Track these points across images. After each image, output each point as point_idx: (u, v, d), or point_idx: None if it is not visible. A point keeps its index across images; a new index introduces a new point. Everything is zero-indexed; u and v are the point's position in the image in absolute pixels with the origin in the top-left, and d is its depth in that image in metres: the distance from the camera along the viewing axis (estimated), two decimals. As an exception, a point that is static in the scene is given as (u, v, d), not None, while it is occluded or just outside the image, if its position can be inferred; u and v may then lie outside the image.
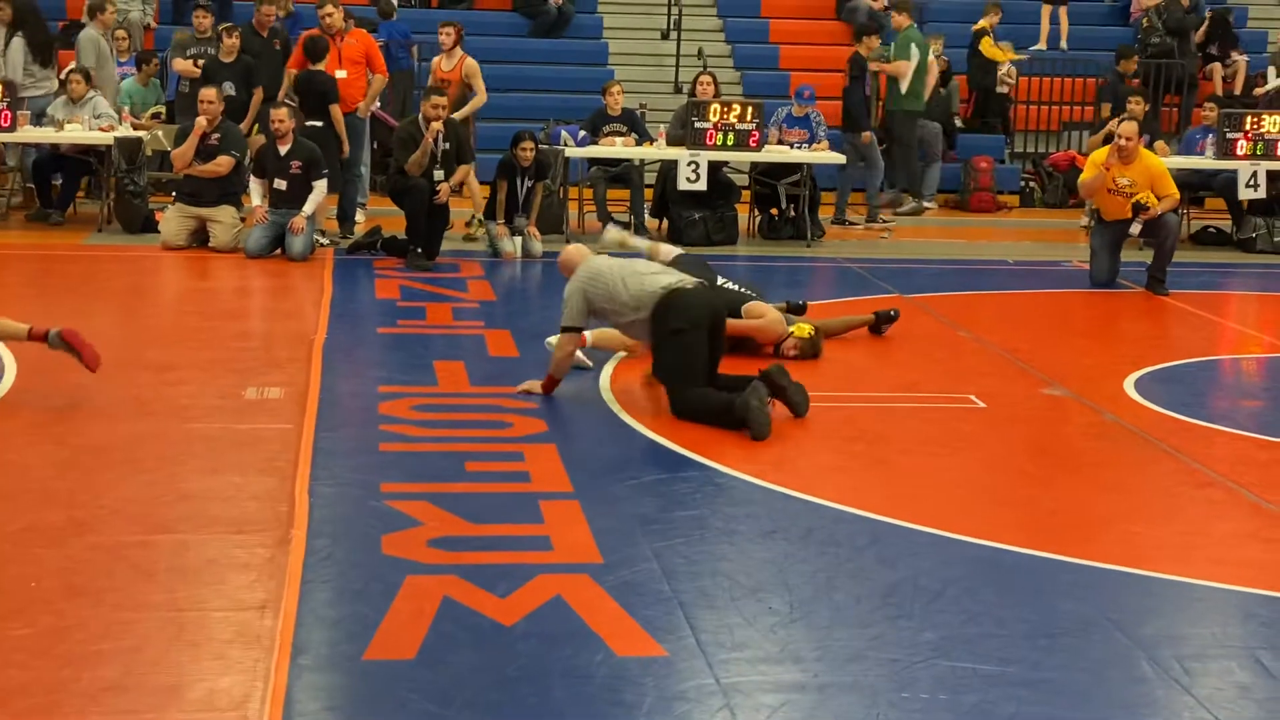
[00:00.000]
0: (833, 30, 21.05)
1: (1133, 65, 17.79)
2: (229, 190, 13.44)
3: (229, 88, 14.52)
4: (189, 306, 11.36)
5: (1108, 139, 13.68)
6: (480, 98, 15.00)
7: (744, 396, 7.77)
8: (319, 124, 13.71)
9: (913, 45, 16.82)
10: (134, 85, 16.23)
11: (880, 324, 10.48)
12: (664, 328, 8.08)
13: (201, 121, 13.30)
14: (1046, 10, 20.99)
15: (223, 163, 13.30)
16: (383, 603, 5.45)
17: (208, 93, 13.47)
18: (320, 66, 13.90)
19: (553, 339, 8.85)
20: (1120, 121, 13.04)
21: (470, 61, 15.06)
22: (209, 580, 5.64)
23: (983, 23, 19.54)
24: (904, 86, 16.91)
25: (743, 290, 9.93)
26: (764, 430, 7.71)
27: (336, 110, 13.82)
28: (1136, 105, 15.72)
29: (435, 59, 15.37)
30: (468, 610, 5.41)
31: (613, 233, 10.37)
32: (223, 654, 4.98)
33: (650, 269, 8.45)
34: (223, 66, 14.80)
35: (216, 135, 13.37)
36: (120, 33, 17.08)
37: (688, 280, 8.29)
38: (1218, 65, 20.22)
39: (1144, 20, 20.03)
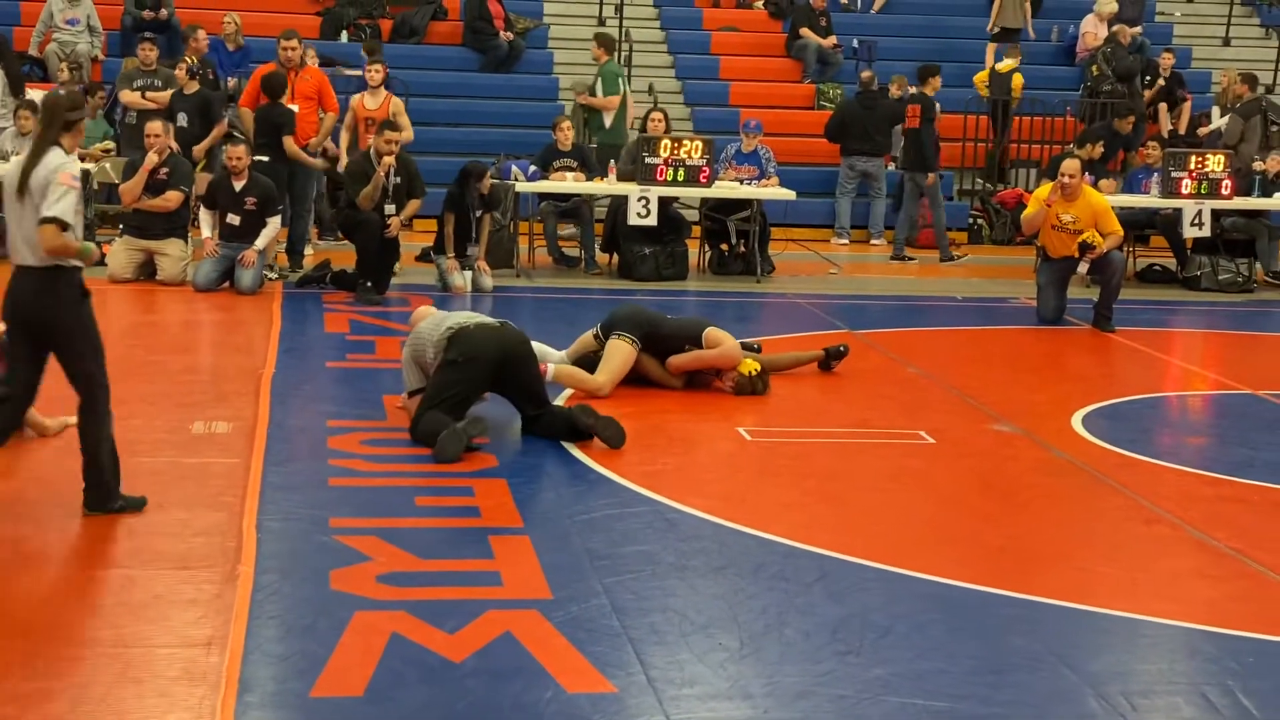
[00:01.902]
0: (782, 67, 21.20)
1: (1128, 125, 17.97)
2: (177, 223, 13.37)
3: (182, 119, 14.55)
4: (136, 340, 11.27)
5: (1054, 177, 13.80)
6: (407, 135, 15.01)
7: (452, 425, 7.90)
8: (265, 159, 13.63)
9: (618, 80, 16.86)
10: (81, 117, 16.13)
11: (830, 360, 10.51)
12: (443, 359, 8.30)
13: (152, 157, 13.22)
14: (991, 48, 21.19)
15: (171, 198, 13.23)
16: (331, 639, 5.41)
17: (154, 126, 13.40)
18: (283, 100, 13.88)
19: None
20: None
21: (396, 100, 15.06)
22: (155, 616, 5.59)
23: (1008, 63, 19.85)
24: (609, 121, 16.95)
25: (696, 318, 9.93)
26: (445, 457, 7.76)
27: (290, 142, 13.78)
28: (1095, 148, 15.96)
29: (356, 96, 15.22)
30: (417, 646, 5.39)
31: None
32: (168, 691, 4.94)
33: (449, 316, 8.60)
34: (181, 99, 14.83)
35: (165, 169, 13.30)
36: (63, 64, 17.01)
37: (476, 321, 8.46)
38: (1163, 105, 20.45)
39: (1093, 67, 20.20)
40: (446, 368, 8.26)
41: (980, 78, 20.06)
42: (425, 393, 8.33)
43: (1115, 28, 20.84)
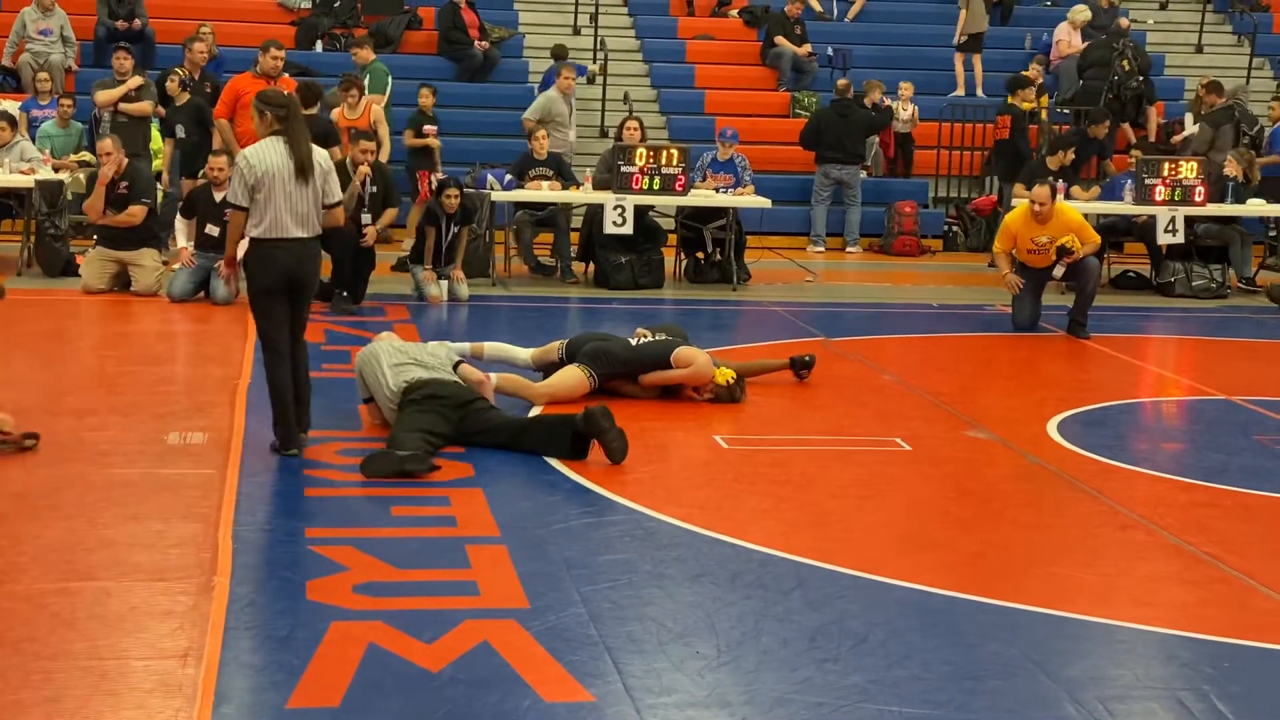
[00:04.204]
0: (757, 75, 21.24)
1: (1102, 131, 18.03)
2: (149, 233, 13.31)
3: (180, 130, 14.73)
4: (110, 351, 11.25)
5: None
6: (386, 145, 15.04)
7: (391, 451, 7.80)
8: None
9: (388, 78, 16.68)
10: (54, 128, 16.07)
11: (798, 370, 10.47)
12: (401, 399, 8.36)
13: (106, 172, 13.15)
14: (960, 58, 21.27)
15: (135, 213, 13.16)
16: (307, 650, 5.40)
17: (104, 145, 13.36)
18: (312, 112, 13.81)
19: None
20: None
21: (376, 109, 15.05)
22: (130, 628, 5.57)
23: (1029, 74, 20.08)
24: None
25: (665, 339, 9.92)
26: (368, 470, 7.66)
27: (337, 154, 13.72)
28: (1067, 154, 16.05)
29: (336, 110, 15.28)
30: (394, 657, 5.38)
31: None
32: (144, 703, 4.92)
33: (411, 361, 8.61)
34: (176, 110, 14.93)
35: (125, 184, 13.23)
36: (43, 75, 16.97)
37: (429, 373, 8.51)
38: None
39: (1123, 63, 20.20)
40: (409, 406, 8.28)
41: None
42: (394, 430, 8.23)
43: (1119, 21, 21.07)
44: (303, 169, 7.90)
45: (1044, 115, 19.70)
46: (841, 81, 18.60)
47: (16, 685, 5.01)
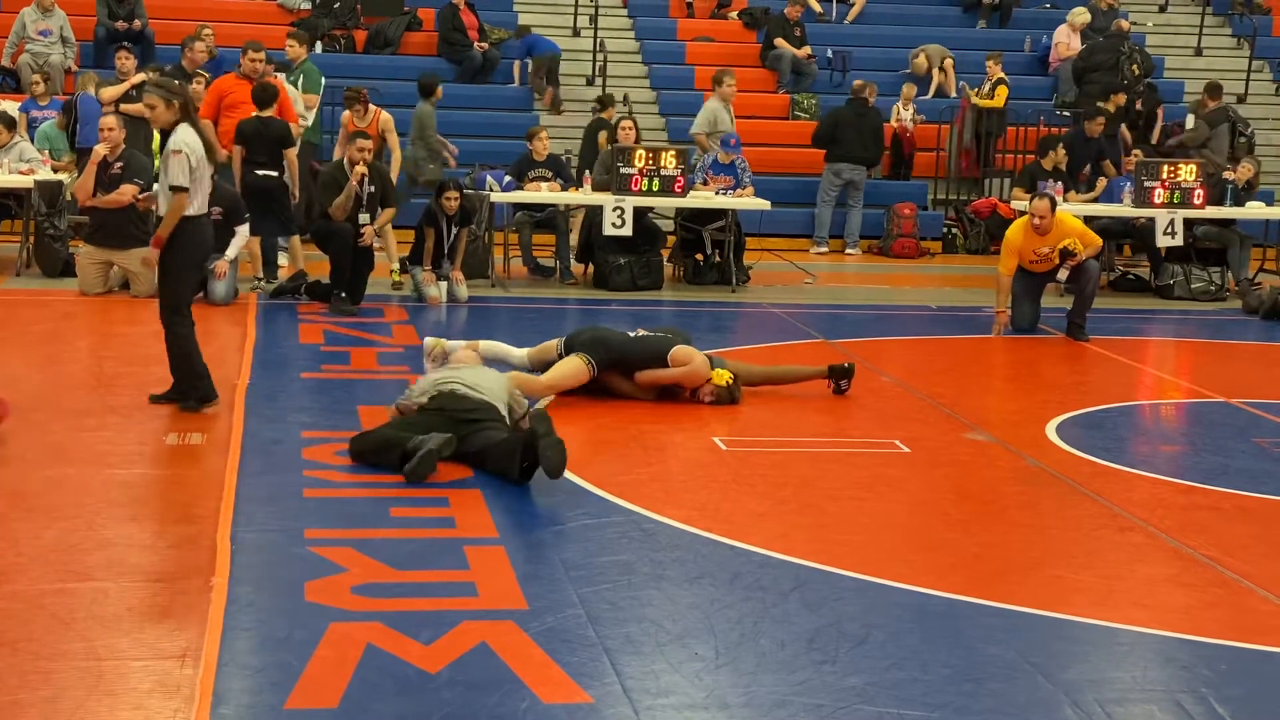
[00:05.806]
0: (757, 78, 21.22)
1: (1098, 127, 18.01)
2: (139, 230, 13.19)
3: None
4: (108, 352, 11.23)
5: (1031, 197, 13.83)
6: (397, 154, 15.01)
7: (428, 447, 7.65)
8: (274, 173, 13.50)
9: (321, 79, 16.56)
10: (53, 129, 16.06)
11: (837, 379, 10.14)
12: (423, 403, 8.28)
13: (100, 149, 13.07)
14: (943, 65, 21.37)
15: (125, 191, 13.00)
16: (305, 651, 5.39)
17: (107, 120, 13.30)
18: (269, 113, 13.74)
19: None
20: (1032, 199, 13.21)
21: (385, 115, 15.03)
22: (128, 629, 5.56)
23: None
24: (311, 118, 16.06)
25: (664, 335, 9.93)
26: (414, 475, 7.55)
27: (292, 155, 13.69)
28: (1059, 154, 16.06)
29: (347, 112, 15.24)
30: (392, 658, 5.37)
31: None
32: (142, 704, 4.91)
33: (453, 380, 8.49)
34: None
35: (119, 164, 13.12)
36: (37, 76, 16.97)
37: (456, 386, 8.36)
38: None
39: (1133, 66, 20.21)
40: (421, 413, 8.24)
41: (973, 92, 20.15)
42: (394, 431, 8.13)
43: (1119, 23, 21.11)
44: (212, 151, 8.92)
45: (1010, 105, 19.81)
46: (858, 83, 18.65)
47: (14, 686, 5.00)
